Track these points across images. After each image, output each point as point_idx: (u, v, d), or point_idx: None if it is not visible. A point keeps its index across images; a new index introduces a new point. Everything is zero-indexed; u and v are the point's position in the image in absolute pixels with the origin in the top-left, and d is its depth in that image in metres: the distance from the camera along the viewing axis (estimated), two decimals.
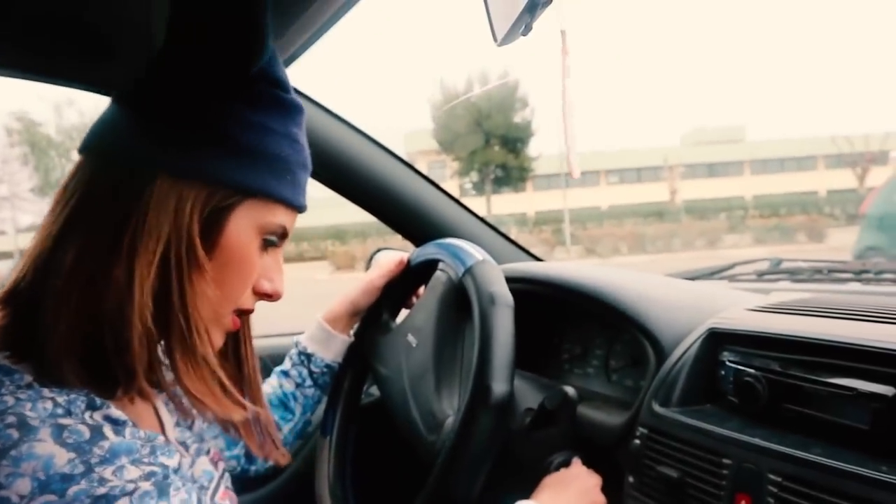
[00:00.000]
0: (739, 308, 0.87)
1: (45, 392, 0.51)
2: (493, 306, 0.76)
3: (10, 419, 0.47)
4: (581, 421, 0.89)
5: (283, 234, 0.65)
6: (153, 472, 0.51)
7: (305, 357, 0.98)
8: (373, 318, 1.01)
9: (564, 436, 0.86)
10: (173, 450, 0.56)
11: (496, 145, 23.88)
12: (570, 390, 0.79)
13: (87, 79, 1.01)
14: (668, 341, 0.85)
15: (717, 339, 0.80)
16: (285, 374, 0.98)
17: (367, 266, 1.39)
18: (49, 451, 0.46)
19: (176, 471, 0.55)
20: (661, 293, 0.96)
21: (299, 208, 0.65)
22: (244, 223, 0.61)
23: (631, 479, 0.80)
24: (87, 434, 0.49)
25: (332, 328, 0.99)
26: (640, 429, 0.80)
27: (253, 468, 0.95)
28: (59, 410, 0.50)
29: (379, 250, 1.41)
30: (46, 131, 23.15)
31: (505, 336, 0.75)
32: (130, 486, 0.48)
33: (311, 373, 0.98)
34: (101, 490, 0.47)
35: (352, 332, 1.03)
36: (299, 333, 1.02)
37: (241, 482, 0.83)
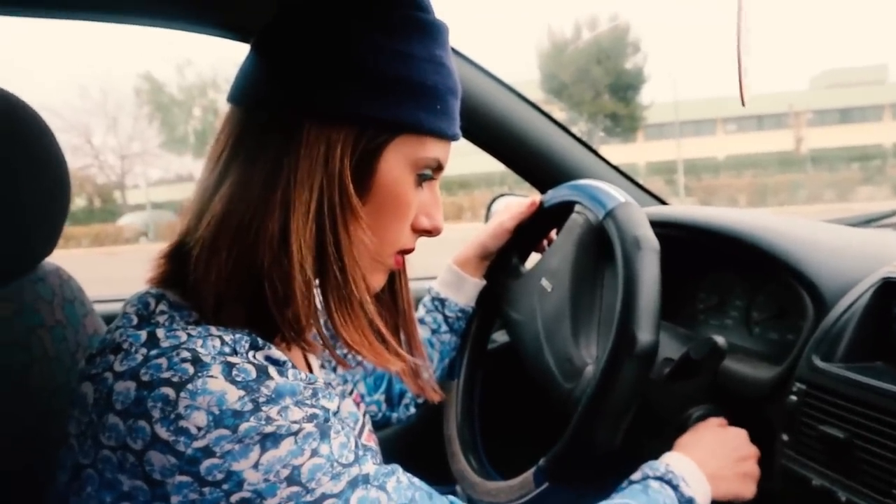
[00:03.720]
0: None
1: (213, 330, 0.52)
2: (638, 251, 0.71)
3: (185, 354, 0.48)
4: (722, 374, 0.84)
5: (437, 168, 0.63)
6: (315, 415, 0.51)
7: (439, 302, 0.97)
8: (503, 262, 0.98)
9: (704, 388, 0.81)
10: (333, 393, 0.56)
11: (605, 94, 23.00)
12: (720, 340, 0.73)
13: (219, 23, 1.02)
14: (831, 291, 0.77)
15: (893, 290, 0.72)
16: (420, 321, 0.97)
17: (487, 214, 1.36)
18: (221, 388, 0.47)
19: (335, 413, 0.55)
20: (821, 238, 0.87)
21: (452, 138, 0.63)
22: (396, 161, 0.58)
23: (785, 437, 0.74)
24: (253, 373, 0.49)
25: (463, 271, 0.97)
26: (798, 384, 0.73)
27: (395, 415, 0.95)
28: (227, 349, 0.51)
29: (499, 196, 1.37)
30: (170, 90, 24.61)
31: (651, 282, 0.70)
32: (295, 427, 0.49)
33: (445, 318, 0.97)
34: (269, 429, 0.47)
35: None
36: (424, 279, 1.01)
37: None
